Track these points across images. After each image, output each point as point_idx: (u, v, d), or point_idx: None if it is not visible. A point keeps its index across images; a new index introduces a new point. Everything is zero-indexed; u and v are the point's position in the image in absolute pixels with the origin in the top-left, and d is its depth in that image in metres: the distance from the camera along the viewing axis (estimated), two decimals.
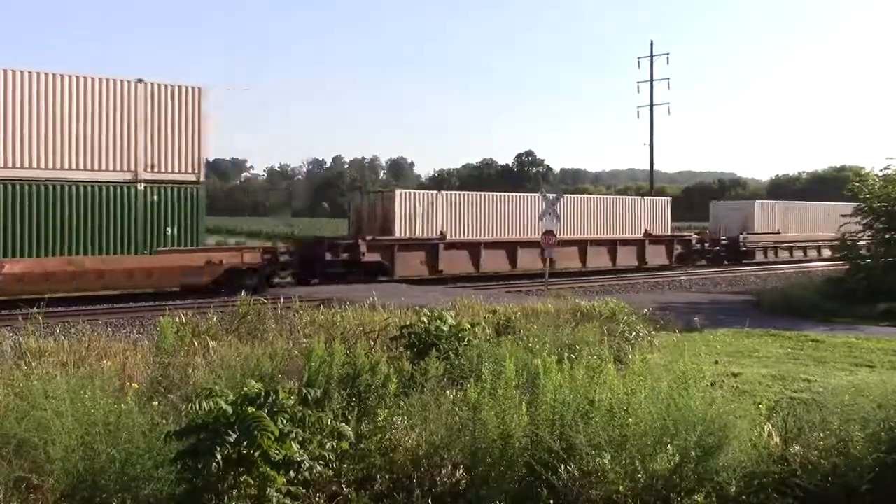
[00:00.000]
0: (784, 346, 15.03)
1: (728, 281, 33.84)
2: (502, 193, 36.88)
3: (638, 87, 60.03)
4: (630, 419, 6.40)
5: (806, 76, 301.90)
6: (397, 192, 32.55)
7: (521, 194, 38.04)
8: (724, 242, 43.43)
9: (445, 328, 9.58)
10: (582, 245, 36.47)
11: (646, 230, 39.35)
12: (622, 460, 6.17)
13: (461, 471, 6.33)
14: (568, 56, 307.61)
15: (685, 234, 43.08)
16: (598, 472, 6.11)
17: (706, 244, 42.52)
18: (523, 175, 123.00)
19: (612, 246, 37.74)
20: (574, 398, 6.75)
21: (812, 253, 47.50)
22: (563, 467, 6.14)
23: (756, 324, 16.44)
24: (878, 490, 6.12)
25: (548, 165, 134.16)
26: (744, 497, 6.13)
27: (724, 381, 8.57)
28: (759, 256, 44.33)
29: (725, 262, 42.52)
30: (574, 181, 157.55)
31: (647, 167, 61.44)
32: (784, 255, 46.05)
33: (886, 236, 24.22)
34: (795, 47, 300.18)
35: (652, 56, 57.96)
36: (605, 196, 39.57)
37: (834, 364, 12.98)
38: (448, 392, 7.48)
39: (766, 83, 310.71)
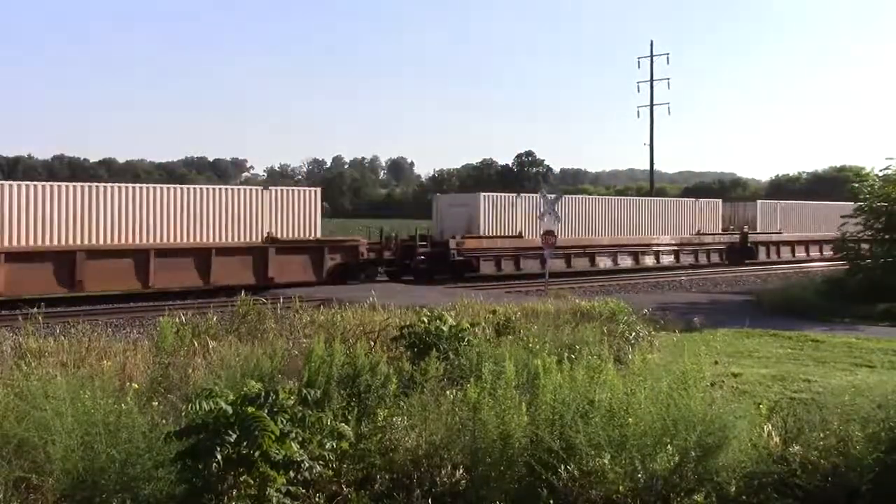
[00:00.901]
0: (784, 346, 15.04)
1: (728, 281, 34.00)
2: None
3: (638, 87, 60.05)
4: (630, 419, 6.40)
5: (806, 76, 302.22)
6: None
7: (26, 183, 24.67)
8: (422, 249, 32.39)
9: (445, 328, 9.59)
10: (142, 255, 25.21)
11: (268, 233, 27.99)
12: (622, 460, 6.17)
13: (461, 471, 6.32)
14: (568, 56, 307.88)
15: (349, 238, 31.14)
16: (598, 472, 6.11)
17: (388, 252, 31.56)
18: (523, 175, 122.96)
19: (202, 256, 26.16)
20: (574, 398, 6.75)
21: (581, 262, 36.65)
22: (563, 467, 6.14)
23: (756, 324, 16.43)
24: (878, 490, 6.12)
25: (548, 166, 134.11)
26: (744, 497, 6.14)
27: (723, 382, 8.59)
28: (488, 268, 33.25)
29: (435, 277, 31.38)
30: (574, 181, 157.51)
31: (648, 167, 61.59)
32: (529, 264, 34.30)
33: (886, 236, 24.23)
34: (796, 47, 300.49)
35: (652, 56, 58.02)
36: (193, 186, 28.49)
37: (834, 364, 12.98)
38: (448, 392, 7.48)
39: (767, 83, 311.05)
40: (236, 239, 27.15)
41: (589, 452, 6.21)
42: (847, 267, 25.34)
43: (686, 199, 47.82)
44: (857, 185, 26.33)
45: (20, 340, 10.71)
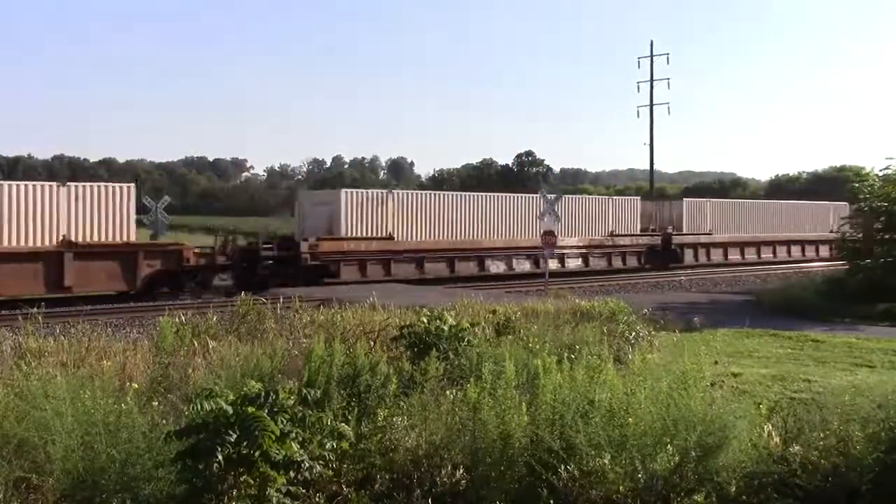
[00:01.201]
0: (784, 346, 15.04)
1: (728, 281, 34.04)
2: None
3: (638, 87, 59.98)
4: (630, 419, 6.40)
5: (806, 76, 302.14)
6: None
7: None
8: (266, 252, 29.04)
9: (445, 328, 9.59)
10: None
11: (64, 236, 24.46)
12: (622, 460, 6.17)
13: (461, 471, 6.32)
14: (568, 56, 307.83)
15: (171, 243, 28.42)
16: (598, 472, 6.11)
17: (223, 257, 28.23)
18: (523, 175, 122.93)
19: None
20: (574, 398, 6.75)
21: (467, 266, 32.81)
22: (563, 467, 6.14)
23: (756, 324, 16.43)
24: (878, 490, 6.12)
25: (548, 165, 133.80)
26: (744, 497, 6.14)
27: (723, 382, 8.58)
28: (350, 274, 29.68)
29: (289, 284, 27.39)
30: (574, 181, 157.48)
31: (648, 167, 61.60)
32: (402, 269, 31.04)
33: (886, 236, 24.25)
34: (796, 47, 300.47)
35: (652, 56, 58.03)
36: None
37: (834, 364, 12.98)
38: (448, 392, 7.48)
39: (767, 83, 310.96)
40: (23, 242, 23.51)
41: (589, 452, 6.21)
42: (847, 267, 25.36)
43: (598, 196, 43.59)
44: (857, 185, 26.38)
45: (20, 340, 10.70)
